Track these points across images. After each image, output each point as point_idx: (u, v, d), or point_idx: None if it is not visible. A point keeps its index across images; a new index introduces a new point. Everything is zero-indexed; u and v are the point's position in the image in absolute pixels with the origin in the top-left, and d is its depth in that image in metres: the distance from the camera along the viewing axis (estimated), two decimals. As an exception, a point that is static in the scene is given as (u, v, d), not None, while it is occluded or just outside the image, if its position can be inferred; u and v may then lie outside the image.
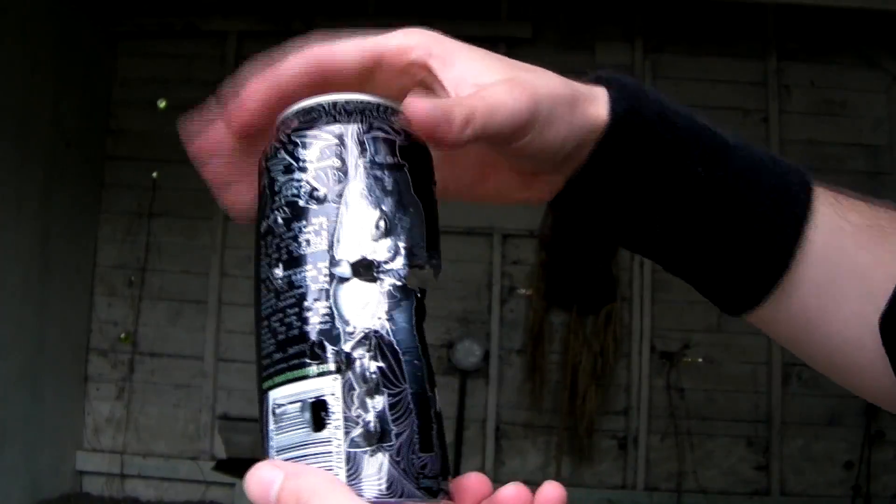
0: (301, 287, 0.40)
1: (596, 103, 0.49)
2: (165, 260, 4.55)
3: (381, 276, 0.40)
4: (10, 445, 3.75)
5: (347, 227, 0.40)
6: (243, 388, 4.46)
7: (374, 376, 0.38)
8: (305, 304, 0.39)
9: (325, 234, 0.40)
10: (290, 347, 0.39)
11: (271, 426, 0.39)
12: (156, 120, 4.58)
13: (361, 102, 0.43)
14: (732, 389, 4.34)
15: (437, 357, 4.20)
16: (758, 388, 4.34)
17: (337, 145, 0.41)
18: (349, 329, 0.39)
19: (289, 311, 0.40)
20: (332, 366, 0.38)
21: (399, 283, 0.40)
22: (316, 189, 0.41)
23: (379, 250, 0.40)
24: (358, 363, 0.38)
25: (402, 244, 0.41)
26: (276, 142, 0.43)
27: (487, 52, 0.48)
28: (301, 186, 0.41)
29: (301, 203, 0.41)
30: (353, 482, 0.37)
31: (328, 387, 0.38)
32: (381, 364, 0.39)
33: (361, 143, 0.42)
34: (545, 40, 4.53)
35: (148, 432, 4.48)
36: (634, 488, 4.33)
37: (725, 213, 0.50)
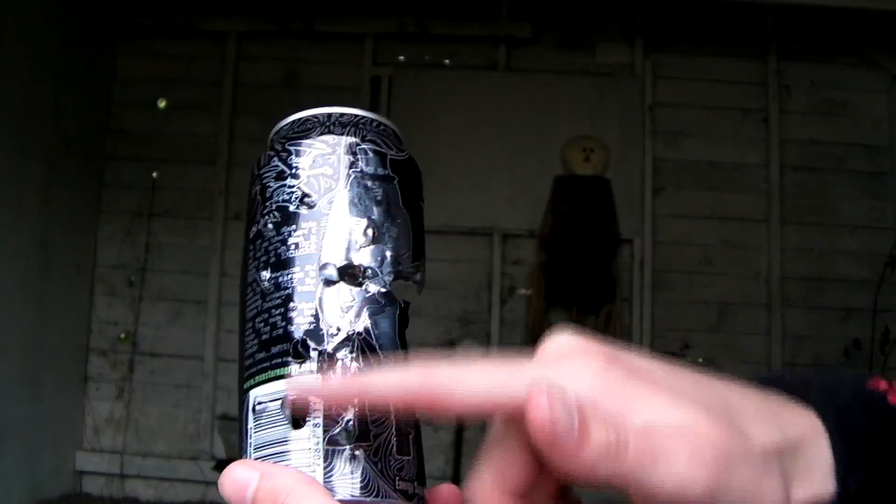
0: (287, 288, 0.40)
1: (811, 469, 0.38)
2: (165, 260, 4.55)
3: (367, 281, 0.41)
4: (9, 445, 3.75)
5: (335, 232, 0.41)
6: (243, 389, 4.46)
7: None
8: (291, 304, 0.40)
9: (314, 238, 0.41)
10: (274, 346, 0.40)
11: (251, 424, 0.40)
12: (156, 120, 4.59)
13: (356, 116, 0.44)
14: None
15: (438, 357, 4.20)
16: (758, 389, 4.34)
17: (330, 154, 0.42)
18: (332, 330, 0.39)
19: (274, 311, 0.40)
20: (314, 365, 0.39)
21: (384, 290, 0.41)
22: (307, 195, 0.42)
23: (366, 256, 0.41)
24: (340, 363, 0.39)
25: (388, 252, 0.41)
26: (269, 150, 0.44)
27: (680, 375, 0.38)
28: (293, 192, 0.42)
29: (291, 208, 0.42)
30: (329, 479, 0.37)
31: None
32: (362, 365, 0.39)
33: (354, 154, 0.42)
34: (545, 40, 4.53)
35: (148, 432, 4.48)
36: (634, 488, 4.33)
37: None
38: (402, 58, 4.55)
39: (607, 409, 0.35)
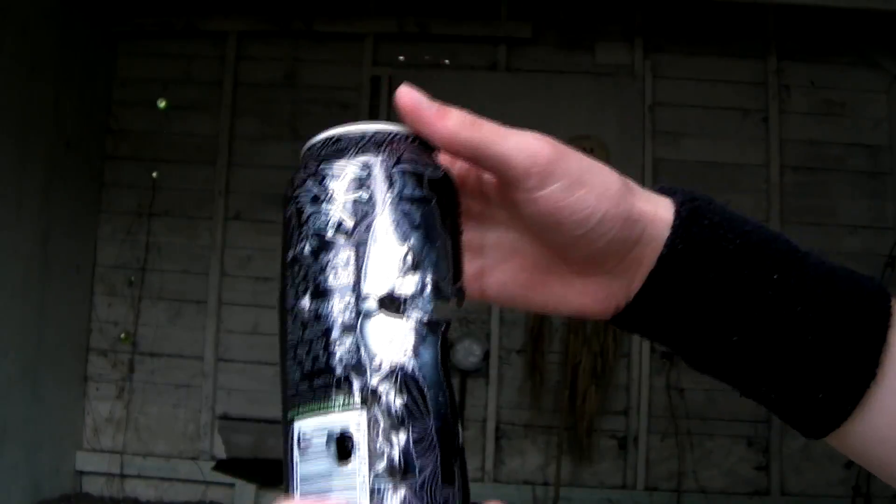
0: (328, 319, 0.40)
1: (654, 201, 0.48)
2: (165, 260, 4.55)
3: (408, 310, 0.40)
4: (9, 445, 3.75)
5: (375, 261, 0.40)
6: (243, 388, 4.46)
7: (399, 411, 0.38)
8: (332, 336, 0.40)
9: (352, 267, 0.40)
10: (316, 379, 0.39)
11: (296, 456, 0.39)
12: (156, 120, 4.59)
13: (390, 134, 0.43)
14: (733, 389, 4.34)
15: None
16: (758, 388, 4.34)
17: (365, 178, 0.41)
18: (375, 364, 0.39)
19: (315, 343, 0.40)
20: (357, 399, 0.39)
21: (425, 319, 0.40)
22: (343, 221, 0.41)
23: (406, 285, 0.40)
24: (384, 398, 0.38)
25: (429, 278, 0.41)
26: (303, 171, 0.43)
27: None
28: (329, 218, 0.41)
29: (328, 235, 0.41)
30: None
31: (353, 420, 0.38)
32: (407, 399, 0.39)
33: (390, 177, 0.42)
34: (545, 40, 4.53)
35: (148, 432, 4.48)
36: (634, 488, 4.33)
37: (804, 319, 0.47)
38: (402, 58, 4.55)
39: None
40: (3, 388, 3.71)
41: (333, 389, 0.39)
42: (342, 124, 0.44)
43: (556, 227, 0.47)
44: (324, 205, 0.41)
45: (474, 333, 4.40)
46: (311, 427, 0.39)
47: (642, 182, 0.50)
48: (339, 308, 0.40)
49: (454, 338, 4.34)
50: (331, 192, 0.41)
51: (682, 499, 4.29)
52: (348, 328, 0.39)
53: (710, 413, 4.36)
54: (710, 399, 4.36)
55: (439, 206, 0.43)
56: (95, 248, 4.57)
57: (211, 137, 4.56)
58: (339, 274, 0.40)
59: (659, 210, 0.48)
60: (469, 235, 0.50)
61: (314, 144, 0.44)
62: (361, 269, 0.40)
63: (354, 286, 0.40)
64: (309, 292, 0.40)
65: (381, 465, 0.38)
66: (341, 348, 0.39)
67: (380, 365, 0.39)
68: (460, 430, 0.41)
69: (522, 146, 0.45)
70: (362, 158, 0.42)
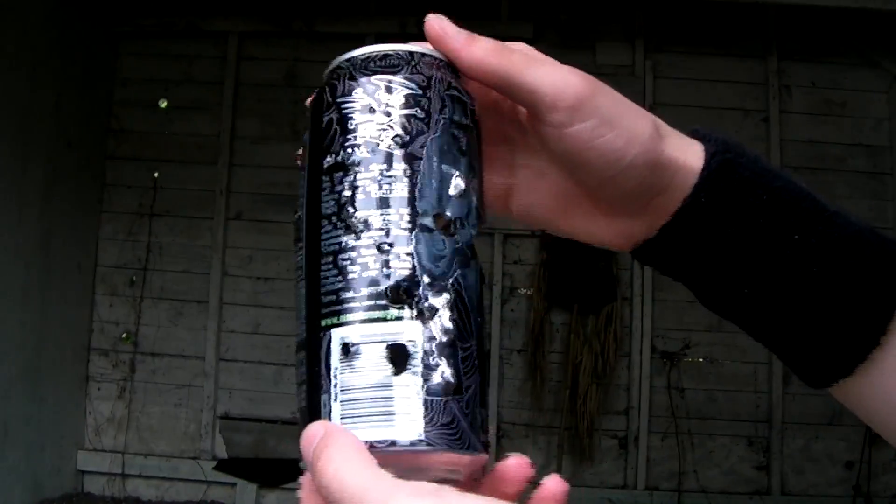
0: (382, 230, 0.40)
1: (684, 149, 0.48)
2: (167, 260, 4.55)
3: (457, 232, 0.41)
4: (11, 445, 3.75)
5: (430, 179, 0.41)
6: (244, 388, 4.46)
7: (451, 329, 0.39)
8: (385, 246, 0.40)
9: (407, 181, 0.40)
10: (366, 288, 0.39)
11: (336, 364, 0.39)
12: (157, 120, 4.59)
13: (437, 59, 0.44)
14: (733, 389, 4.35)
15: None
16: (758, 388, 4.35)
17: (420, 96, 0.42)
18: (428, 279, 0.39)
19: (364, 250, 0.40)
20: (414, 312, 0.39)
21: (470, 242, 0.41)
22: (400, 135, 0.41)
23: (456, 207, 0.41)
24: (438, 313, 0.39)
25: (473, 203, 0.42)
26: (347, 80, 0.43)
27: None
28: (384, 130, 0.41)
29: (383, 146, 0.41)
30: (430, 430, 0.37)
31: (408, 332, 0.39)
32: (457, 318, 0.39)
33: (442, 100, 0.42)
34: (546, 40, 4.52)
35: (149, 432, 4.48)
36: (635, 488, 4.34)
37: (819, 280, 0.47)
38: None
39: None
40: (5, 388, 3.72)
41: (388, 300, 0.39)
42: (374, 44, 0.44)
43: (583, 166, 0.47)
44: (378, 115, 0.42)
45: (475, 333, 4.39)
46: (360, 335, 0.39)
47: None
48: (394, 220, 0.40)
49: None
50: (385, 104, 0.42)
51: (682, 498, 4.29)
52: (403, 241, 0.40)
53: (711, 413, 4.36)
54: (710, 399, 4.37)
55: (477, 137, 0.44)
56: (97, 248, 4.57)
57: (212, 137, 4.57)
58: (395, 186, 0.40)
59: (689, 158, 0.48)
60: (500, 153, 0.51)
61: (358, 57, 0.44)
62: (415, 184, 0.40)
63: (410, 201, 0.40)
64: (358, 200, 0.40)
65: (435, 381, 0.38)
66: (396, 260, 0.39)
67: (433, 281, 0.39)
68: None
69: (551, 78, 0.45)
70: (417, 77, 0.43)
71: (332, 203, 0.41)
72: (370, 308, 0.39)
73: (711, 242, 0.48)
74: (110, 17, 4.55)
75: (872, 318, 0.47)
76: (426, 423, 0.37)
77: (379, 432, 0.37)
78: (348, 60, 0.44)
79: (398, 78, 0.42)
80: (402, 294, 0.39)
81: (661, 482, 4.36)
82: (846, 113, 4.49)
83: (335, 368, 0.39)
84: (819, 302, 0.47)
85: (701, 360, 4.36)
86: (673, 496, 4.30)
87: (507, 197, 0.51)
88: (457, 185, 0.41)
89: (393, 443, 0.37)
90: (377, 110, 0.42)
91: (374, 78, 0.42)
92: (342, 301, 0.39)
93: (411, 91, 0.42)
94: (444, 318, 0.39)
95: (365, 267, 0.39)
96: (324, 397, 0.39)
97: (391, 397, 0.38)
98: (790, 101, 4.49)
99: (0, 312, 3.70)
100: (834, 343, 0.48)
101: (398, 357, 0.38)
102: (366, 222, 0.40)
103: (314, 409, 0.39)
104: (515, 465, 0.42)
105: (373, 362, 0.38)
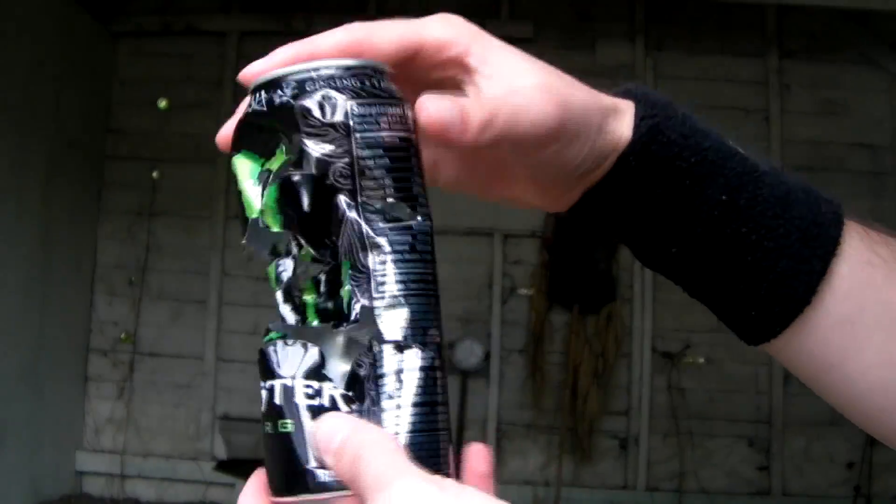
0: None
1: (620, 119, 0.48)
2: (166, 259, 4.55)
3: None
4: (10, 446, 3.75)
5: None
6: (243, 388, 4.45)
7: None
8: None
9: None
10: None
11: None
12: (156, 119, 4.59)
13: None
14: (733, 389, 4.34)
15: (438, 357, 4.19)
16: (759, 389, 4.34)
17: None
18: None
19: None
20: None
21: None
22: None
23: None
24: None
25: None
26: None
27: (526, 54, 0.47)
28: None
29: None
30: None
31: None
32: None
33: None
34: (546, 40, 4.52)
35: (148, 432, 4.48)
36: (635, 488, 4.33)
37: (747, 241, 0.48)
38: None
39: (485, 79, 0.45)
40: (4, 389, 3.71)
41: None
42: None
43: (541, 170, 0.47)
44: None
45: (475, 333, 4.39)
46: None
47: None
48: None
49: (455, 338, 4.33)
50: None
51: (683, 499, 4.28)
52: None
53: (711, 413, 4.35)
54: (710, 399, 4.36)
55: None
56: (96, 248, 4.57)
57: (211, 137, 4.52)
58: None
59: (624, 129, 0.47)
60: None
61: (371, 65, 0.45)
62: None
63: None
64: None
65: None
66: None
67: None
68: None
69: (534, 121, 0.45)
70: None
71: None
72: None
73: (640, 204, 0.48)
74: (109, 16, 4.55)
75: (804, 278, 0.48)
76: None
77: None
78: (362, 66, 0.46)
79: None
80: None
81: (661, 483, 4.35)
82: (847, 112, 4.48)
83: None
84: (749, 262, 0.48)
85: (701, 360, 4.36)
86: (673, 497, 4.30)
87: (434, 170, 0.50)
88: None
89: None
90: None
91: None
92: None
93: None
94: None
95: None
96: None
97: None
98: (791, 100, 4.49)
99: (-1, 312, 3.70)
100: (765, 303, 0.48)
101: None
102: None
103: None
104: (475, 452, 0.42)
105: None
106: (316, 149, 0.41)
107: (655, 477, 4.36)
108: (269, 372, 0.40)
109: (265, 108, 0.43)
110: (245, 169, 0.43)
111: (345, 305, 0.41)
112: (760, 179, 0.49)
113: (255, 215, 0.42)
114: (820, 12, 4.34)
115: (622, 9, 4.56)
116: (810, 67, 4.50)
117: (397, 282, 0.40)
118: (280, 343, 0.41)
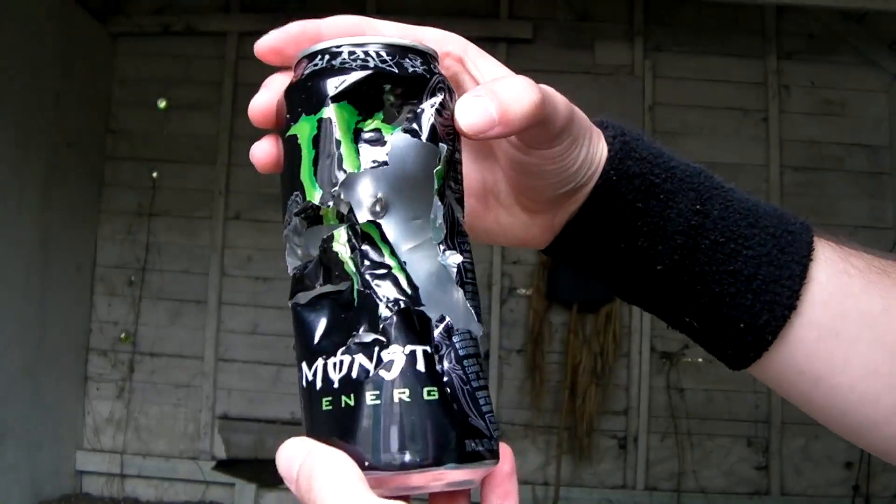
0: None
1: (599, 137, 0.49)
2: (165, 259, 4.55)
3: None
4: (9, 445, 3.75)
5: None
6: (243, 388, 4.46)
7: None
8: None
9: None
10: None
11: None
12: (156, 120, 4.59)
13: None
14: (732, 389, 4.35)
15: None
16: (757, 388, 4.34)
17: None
18: None
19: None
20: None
21: None
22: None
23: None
24: None
25: None
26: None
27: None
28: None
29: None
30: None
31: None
32: None
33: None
34: (545, 40, 4.53)
35: (148, 432, 4.48)
36: (634, 488, 4.33)
37: (726, 250, 0.48)
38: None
39: (481, 74, 0.47)
40: (4, 388, 3.71)
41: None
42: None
43: (536, 174, 0.48)
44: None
45: (474, 333, 4.39)
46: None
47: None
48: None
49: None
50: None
51: (682, 499, 4.29)
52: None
53: (710, 413, 4.36)
54: (710, 399, 4.37)
55: None
56: (95, 248, 4.57)
57: (211, 137, 4.57)
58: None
59: (603, 147, 0.49)
60: None
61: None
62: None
63: None
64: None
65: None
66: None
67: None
68: None
69: (518, 96, 0.45)
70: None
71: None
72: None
73: (622, 219, 0.49)
74: (109, 16, 4.55)
75: (785, 283, 0.48)
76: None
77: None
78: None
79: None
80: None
81: (660, 482, 4.35)
82: (845, 113, 4.49)
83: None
84: (729, 272, 0.48)
85: (700, 360, 4.36)
86: (672, 496, 4.30)
87: None
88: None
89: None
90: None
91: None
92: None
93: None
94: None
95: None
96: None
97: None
98: (789, 100, 4.49)
99: (-1, 312, 3.70)
100: (750, 315, 0.48)
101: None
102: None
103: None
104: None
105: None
106: (441, 130, 0.42)
107: (654, 476, 4.36)
108: (410, 335, 0.39)
109: (395, 71, 0.42)
110: (343, 120, 0.42)
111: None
112: (729, 192, 0.50)
113: (354, 169, 0.41)
114: (819, 13, 4.34)
115: (621, 9, 4.57)
116: (809, 68, 4.50)
117: (470, 273, 0.42)
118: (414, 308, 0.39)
